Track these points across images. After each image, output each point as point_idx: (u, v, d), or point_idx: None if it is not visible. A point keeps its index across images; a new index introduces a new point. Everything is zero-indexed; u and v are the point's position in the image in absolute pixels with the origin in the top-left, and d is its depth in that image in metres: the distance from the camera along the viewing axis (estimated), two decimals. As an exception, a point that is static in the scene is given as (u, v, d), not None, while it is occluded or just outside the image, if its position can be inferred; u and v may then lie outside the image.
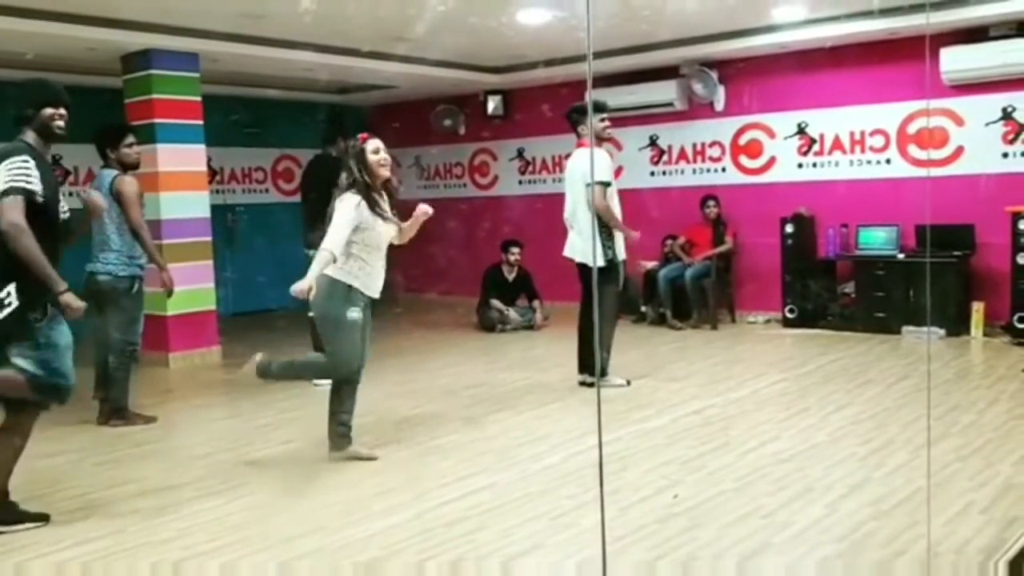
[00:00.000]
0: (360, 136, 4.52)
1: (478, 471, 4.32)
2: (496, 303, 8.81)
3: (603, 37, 7.68)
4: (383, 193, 4.49)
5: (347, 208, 4.30)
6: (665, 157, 9.51)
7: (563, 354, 7.42)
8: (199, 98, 7.67)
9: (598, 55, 8.24)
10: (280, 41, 7.65)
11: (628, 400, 5.66)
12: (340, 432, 4.53)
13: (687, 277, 8.61)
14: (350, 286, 4.36)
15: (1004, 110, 7.54)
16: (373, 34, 7.67)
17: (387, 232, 4.47)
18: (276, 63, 8.16)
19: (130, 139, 5.36)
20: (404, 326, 8.91)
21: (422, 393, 6.04)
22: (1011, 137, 7.55)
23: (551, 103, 9.87)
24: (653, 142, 9.54)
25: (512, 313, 8.86)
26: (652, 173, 9.59)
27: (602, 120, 5.96)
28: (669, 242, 9.03)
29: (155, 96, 7.39)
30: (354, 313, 4.36)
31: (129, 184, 5.27)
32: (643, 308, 8.96)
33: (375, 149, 4.43)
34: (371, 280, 4.44)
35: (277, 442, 5.04)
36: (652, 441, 4.75)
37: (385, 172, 4.47)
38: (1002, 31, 7.37)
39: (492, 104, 10.31)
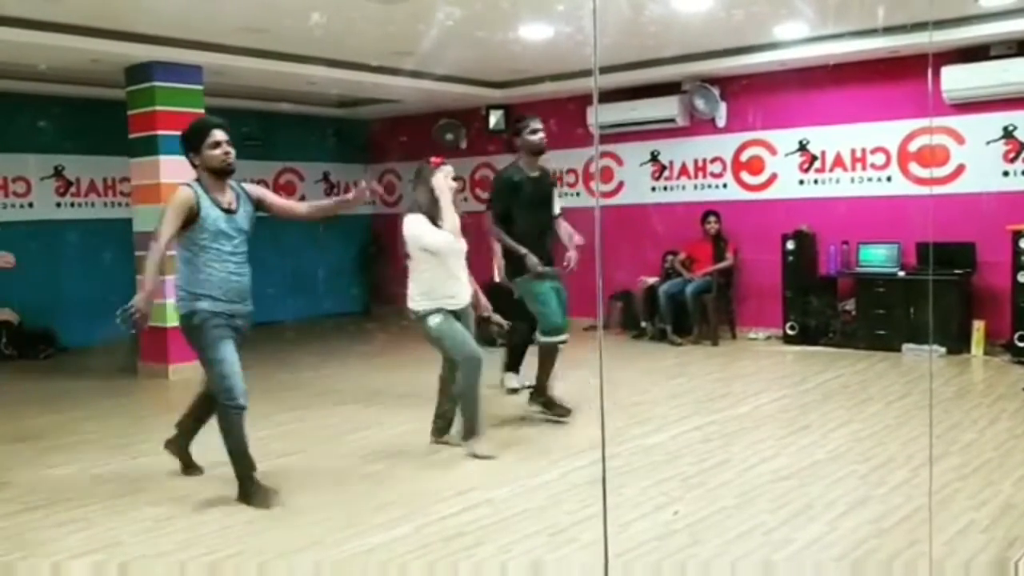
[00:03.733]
0: (432, 160, 4.77)
1: (477, 486, 4.30)
2: (496, 317, 8.77)
3: (605, 53, 7.70)
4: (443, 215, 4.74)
5: (420, 221, 4.69)
6: (666, 173, 9.52)
7: (563, 369, 7.40)
8: (202, 110, 7.67)
9: (601, 70, 8.27)
10: (283, 54, 7.69)
11: (628, 416, 5.65)
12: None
13: (688, 293, 8.61)
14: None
15: (1005, 129, 7.56)
16: (378, 49, 7.70)
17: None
18: (279, 76, 8.19)
19: (215, 136, 4.05)
20: (407, 341, 8.86)
21: (422, 407, 6.01)
22: (1012, 156, 7.56)
23: (552, 118, 9.91)
24: (654, 158, 9.56)
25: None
26: (653, 188, 9.60)
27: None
28: (670, 258, 9.04)
29: (158, 108, 7.41)
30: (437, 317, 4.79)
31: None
32: (643, 324, 8.96)
33: (446, 175, 4.72)
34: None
35: (275, 455, 5.02)
36: (652, 457, 4.73)
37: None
38: (1002, 50, 7.40)
39: (494, 118, 10.32)
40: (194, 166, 4.03)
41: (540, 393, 5.66)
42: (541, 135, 5.47)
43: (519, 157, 5.55)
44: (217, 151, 3.97)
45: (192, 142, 4.02)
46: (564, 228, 5.61)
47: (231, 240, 4.00)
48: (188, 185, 3.97)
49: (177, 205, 3.89)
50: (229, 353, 3.98)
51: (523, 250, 5.38)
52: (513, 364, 6.64)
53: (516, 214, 5.43)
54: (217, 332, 3.96)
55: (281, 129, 10.76)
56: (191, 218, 3.89)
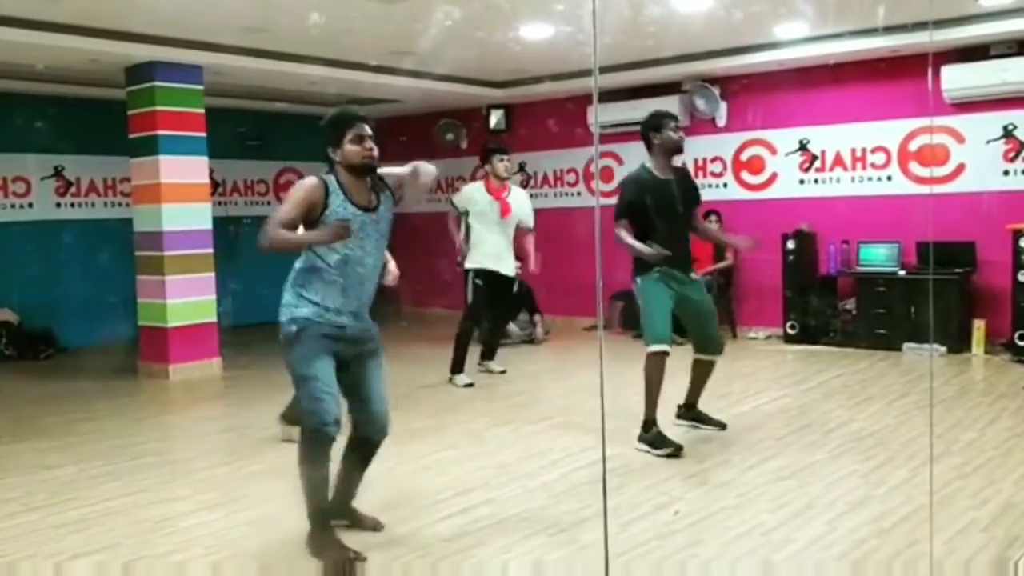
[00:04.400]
0: None
1: (477, 486, 4.30)
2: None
3: (606, 52, 7.70)
4: None
5: None
6: (666, 172, 9.51)
7: (563, 369, 7.41)
8: (202, 110, 7.69)
9: (601, 70, 8.26)
10: (283, 54, 7.68)
11: (628, 416, 5.63)
12: None
13: (688, 292, 8.59)
14: None
15: (1005, 128, 7.55)
16: (378, 48, 7.70)
17: None
18: (279, 76, 8.18)
19: (359, 130, 3.53)
20: (407, 340, 8.89)
21: (421, 407, 6.03)
22: (1012, 155, 7.56)
23: (552, 118, 9.92)
24: (655, 157, 9.55)
25: (513, 327, 8.83)
26: (653, 188, 9.59)
27: (501, 160, 6.71)
28: (670, 257, 9.02)
29: (158, 108, 7.40)
30: None
31: None
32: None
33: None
34: None
35: (275, 455, 5.02)
36: (651, 457, 4.73)
37: None
38: (1002, 50, 7.39)
39: (495, 118, 10.33)
40: (331, 162, 3.52)
41: (689, 407, 5.37)
42: (682, 133, 5.10)
43: (653, 157, 5.16)
44: (359, 146, 3.46)
45: (332, 134, 3.51)
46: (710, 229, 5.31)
47: (362, 243, 3.49)
48: (320, 177, 3.49)
49: (301, 192, 3.42)
50: (325, 371, 3.44)
51: (642, 247, 4.79)
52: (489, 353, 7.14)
53: (645, 222, 4.87)
54: (316, 346, 3.45)
55: (281, 129, 10.74)
56: (314, 213, 3.42)
